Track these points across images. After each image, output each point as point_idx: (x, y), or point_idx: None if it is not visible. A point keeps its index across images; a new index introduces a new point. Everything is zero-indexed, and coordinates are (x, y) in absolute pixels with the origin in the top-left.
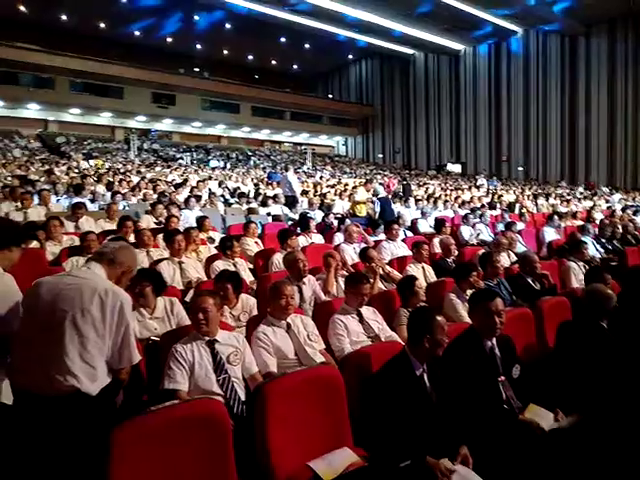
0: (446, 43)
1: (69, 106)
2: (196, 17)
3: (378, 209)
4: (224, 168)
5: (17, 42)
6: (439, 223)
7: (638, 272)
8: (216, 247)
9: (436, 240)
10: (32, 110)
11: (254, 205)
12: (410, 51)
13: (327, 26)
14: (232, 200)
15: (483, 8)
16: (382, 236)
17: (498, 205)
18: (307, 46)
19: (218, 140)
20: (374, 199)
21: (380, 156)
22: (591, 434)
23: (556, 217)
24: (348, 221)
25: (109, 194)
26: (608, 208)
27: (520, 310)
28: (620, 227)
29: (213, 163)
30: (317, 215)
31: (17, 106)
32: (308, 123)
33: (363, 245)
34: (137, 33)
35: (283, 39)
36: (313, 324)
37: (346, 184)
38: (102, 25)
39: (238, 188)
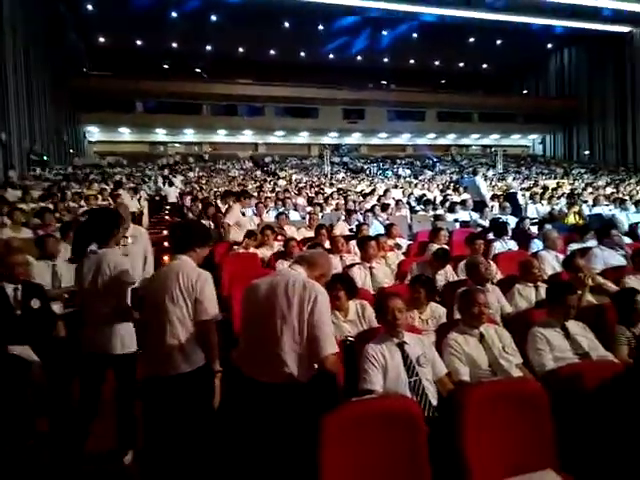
0: None
1: (274, 129)
2: (384, 32)
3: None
4: (409, 176)
5: (236, 79)
6: None
7: None
8: (403, 253)
9: None
10: (246, 135)
11: (441, 212)
12: (626, 29)
13: (521, 17)
14: (418, 207)
15: None
16: (590, 243)
17: None
18: (498, 42)
19: (403, 149)
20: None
21: (587, 153)
22: None
23: None
24: (548, 226)
25: (308, 207)
26: None
27: None
28: None
29: (400, 172)
30: (510, 220)
31: (236, 133)
32: (499, 123)
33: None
34: (331, 56)
35: (471, 39)
36: (510, 336)
37: (544, 186)
38: (302, 54)
39: (424, 195)
